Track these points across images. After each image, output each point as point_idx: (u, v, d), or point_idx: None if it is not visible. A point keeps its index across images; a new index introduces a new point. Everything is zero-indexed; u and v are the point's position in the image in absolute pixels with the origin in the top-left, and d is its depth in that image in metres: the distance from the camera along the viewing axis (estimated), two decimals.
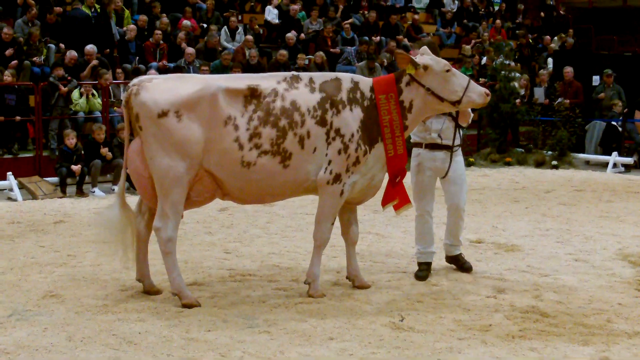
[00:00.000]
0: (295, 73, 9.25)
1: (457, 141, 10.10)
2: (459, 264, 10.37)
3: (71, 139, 17.24)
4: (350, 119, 8.95)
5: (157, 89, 8.68)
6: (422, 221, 10.25)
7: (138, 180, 8.91)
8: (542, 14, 32.10)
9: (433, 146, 10.04)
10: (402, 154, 9.13)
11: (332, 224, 9.21)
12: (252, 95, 8.79)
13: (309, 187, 9.09)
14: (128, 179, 9.25)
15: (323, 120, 8.88)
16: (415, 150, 10.24)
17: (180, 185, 8.61)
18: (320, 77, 9.21)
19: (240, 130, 8.66)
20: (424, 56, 9.22)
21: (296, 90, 8.95)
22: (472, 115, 9.99)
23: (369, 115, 9.05)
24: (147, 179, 8.79)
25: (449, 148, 10.02)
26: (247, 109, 8.73)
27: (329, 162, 8.91)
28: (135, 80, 8.89)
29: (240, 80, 8.94)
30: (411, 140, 10.25)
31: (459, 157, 10.18)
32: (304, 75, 9.20)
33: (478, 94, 9.16)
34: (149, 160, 8.64)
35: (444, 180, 10.15)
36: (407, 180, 9.50)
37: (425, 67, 9.04)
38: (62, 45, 21.39)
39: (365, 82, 9.25)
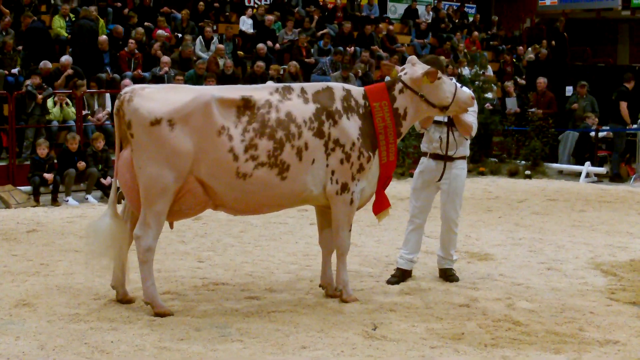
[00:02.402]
0: (287, 84, 9.29)
1: (460, 153, 10.18)
2: (446, 276, 10.38)
3: (42, 149, 17.19)
4: (349, 128, 9.03)
5: (151, 97, 8.63)
6: (410, 226, 10.38)
7: (128, 190, 8.85)
8: (553, 42, 32.10)
9: (436, 156, 10.16)
10: (392, 160, 9.30)
11: (350, 230, 9.32)
12: (246, 106, 8.78)
13: (306, 198, 9.14)
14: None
15: (320, 132, 8.94)
16: (421, 159, 10.42)
17: (166, 196, 8.58)
18: (311, 87, 9.26)
19: (235, 141, 8.64)
20: (417, 65, 9.37)
21: (290, 102, 8.97)
22: (473, 126, 9.99)
23: (366, 123, 9.14)
24: (137, 189, 8.72)
25: (452, 159, 10.13)
26: (240, 120, 8.72)
27: (332, 173, 8.99)
28: (127, 89, 8.84)
29: (233, 91, 8.94)
30: (421, 149, 10.47)
31: (458, 169, 10.22)
32: (295, 86, 9.23)
33: (465, 98, 9.44)
34: (137, 168, 8.59)
35: (441, 192, 10.23)
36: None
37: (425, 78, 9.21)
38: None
39: (357, 91, 9.35)
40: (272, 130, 8.76)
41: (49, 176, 16.85)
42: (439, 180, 10.13)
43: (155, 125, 8.49)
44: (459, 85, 9.59)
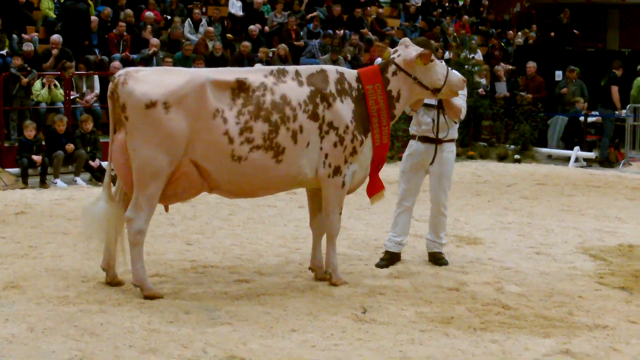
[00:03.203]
0: (281, 67, 9.27)
1: (449, 135, 10.17)
2: (435, 259, 10.38)
3: (30, 131, 17.14)
4: (343, 111, 9.04)
5: (146, 79, 8.58)
6: (399, 209, 10.39)
7: (123, 174, 8.80)
8: (552, 34, 32.02)
9: (425, 139, 10.16)
10: (386, 143, 9.33)
11: (340, 214, 9.34)
12: (240, 88, 8.76)
13: (301, 181, 9.15)
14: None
15: (315, 115, 8.94)
16: (410, 142, 10.41)
17: (159, 179, 8.55)
18: (305, 70, 9.24)
19: (230, 124, 8.62)
20: (410, 47, 9.41)
21: (284, 84, 8.96)
22: (463, 109, 9.99)
23: (359, 106, 9.15)
24: (131, 172, 8.66)
25: (440, 142, 10.12)
26: (235, 102, 8.70)
27: (326, 156, 8.99)
28: (121, 71, 8.79)
29: (228, 73, 8.93)
30: (410, 132, 10.47)
31: (447, 153, 10.21)
32: (290, 69, 9.21)
33: (457, 80, 9.48)
34: (131, 151, 8.54)
35: (430, 175, 10.23)
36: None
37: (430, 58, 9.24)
38: (24, 36, 21.23)
39: (351, 73, 9.35)
40: (267, 113, 8.75)
41: (37, 158, 16.80)
42: (431, 163, 10.11)
43: (151, 108, 8.45)
44: (449, 68, 9.59)
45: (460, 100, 9.93)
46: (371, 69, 9.46)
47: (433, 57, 9.33)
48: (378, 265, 10.19)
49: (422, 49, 9.30)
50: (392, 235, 10.37)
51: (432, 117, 10.05)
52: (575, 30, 32.21)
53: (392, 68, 9.32)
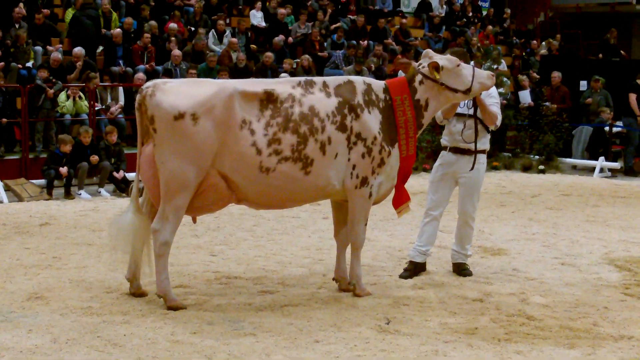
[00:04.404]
0: (308, 78, 9.30)
1: (482, 146, 10.17)
2: (459, 270, 10.35)
3: (67, 146, 17.14)
4: (371, 122, 9.05)
5: (174, 91, 8.61)
6: (426, 219, 10.39)
7: (151, 186, 8.82)
8: (600, 55, 31.84)
9: (456, 150, 10.16)
10: (412, 154, 9.34)
11: (365, 224, 9.35)
12: (269, 99, 8.79)
13: (330, 192, 9.16)
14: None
15: (343, 126, 8.94)
16: (441, 152, 10.42)
17: (187, 191, 8.57)
18: (333, 81, 9.26)
19: (258, 135, 8.64)
20: (434, 57, 9.44)
21: (312, 95, 8.98)
22: (499, 115, 10.01)
23: (386, 117, 9.17)
24: (159, 184, 8.70)
25: (472, 152, 10.09)
26: (263, 114, 8.72)
27: (354, 167, 9.01)
28: (149, 83, 8.83)
29: (256, 85, 8.95)
30: (441, 143, 10.47)
31: (477, 164, 10.17)
32: (317, 80, 9.23)
33: (485, 77, 9.48)
34: (159, 163, 8.57)
35: (459, 185, 10.23)
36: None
37: (442, 67, 9.24)
38: (48, 47, 21.35)
39: (378, 84, 9.39)
40: (296, 125, 8.76)
41: (64, 170, 16.82)
42: (471, 169, 10.07)
43: (179, 120, 8.47)
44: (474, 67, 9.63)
45: (495, 107, 9.96)
46: (399, 80, 9.49)
47: (459, 61, 9.37)
48: (402, 276, 10.18)
49: (445, 56, 9.42)
50: (417, 245, 10.36)
51: (464, 125, 10.02)
52: (622, 52, 31.97)
53: (418, 77, 9.33)
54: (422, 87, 9.32)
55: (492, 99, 9.97)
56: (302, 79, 9.25)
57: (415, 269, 10.29)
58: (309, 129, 8.80)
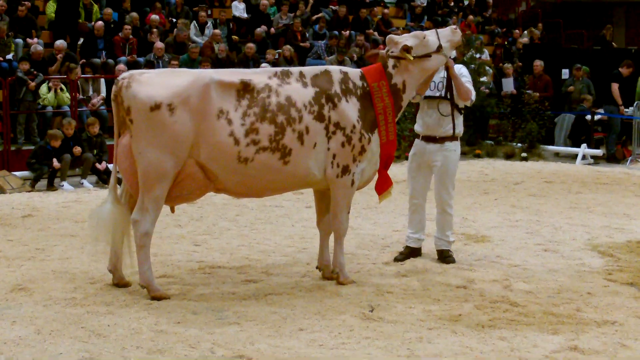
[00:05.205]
0: (285, 68, 9.29)
1: (455, 131, 10.19)
2: (443, 257, 10.37)
3: (58, 141, 17.05)
4: (349, 111, 9.05)
5: (150, 82, 8.59)
6: (411, 207, 10.49)
7: (128, 177, 8.81)
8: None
9: (429, 139, 10.20)
10: (393, 140, 9.34)
11: (348, 213, 9.36)
12: (245, 89, 8.77)
13: (311, 182, 9.17)
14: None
15: (320, 116, 8.95)
16: (415, 141, 10.49)
17: (165, 181, 8.56)
18: (310, 71, 9.27)
19: (235, 125, 8.63)
20: (401, 37, 9.55)
21: (289, 86, 8.97)
22: (472, 91, 10.07)
23: (364, 104, 9.16)
24: (137, 175, 8.67)
25: (444, 140, 10.14)
26: (240, 104, 8.70)
27: (334, 156, 9.01)
28: (125, 74, 8.80)
29: (233, 74, 8.93)
30: (415, 131, 10.55)
31: (449, 151, 10.20)
32: (294, 70, 9.23)
33: (449, 32, 9.63)
34: (136, 154, 8.55)
35: (434, 173, 10.27)
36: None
37: (412, 47, 9.30)
38: (28, 40, 21.25)
39: (354, 72, 9.39)
40: (273, 115, 8.75)
41: (57, 164, 16.72)
42: (453, 133, 10.13)
43: (155, 111, 8.45)
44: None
45: (468, 84, 10.06)
46: (375, 67, 9.47)
47: (423, 33, 9.52)
48: (396, 259, 10.35)
49: (408, 36, 9.57)
50: (409, 233, 10.52)
51: (437, 106, 10.07)
52: (613, 44, 31.96)
53: (390, 62, 9.37)
54: (396, 71, 9.35)
55: (464, 78, 10.06)
56: (279, 69, 9.26)
57: (410, 254, 10.45)
58: (286, 119, 8.79)
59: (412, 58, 9.22)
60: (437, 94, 10.05)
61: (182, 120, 8.47)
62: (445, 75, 10.00)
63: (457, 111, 10.13)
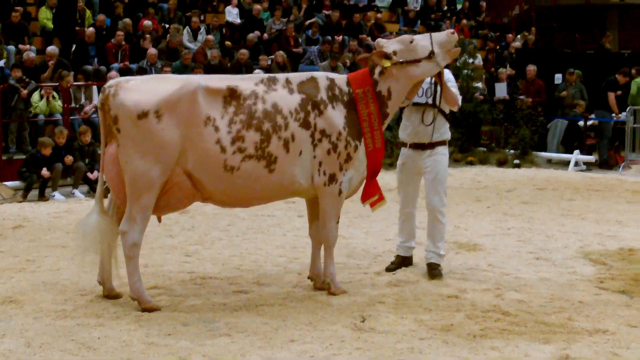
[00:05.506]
0: (272, 75, 9.26)
1: (441, 136, 10.11)
2: (430, 269, 10.16)
3: (48, 149, 16.99)
4: (335, 118, 9.00)
5: (137, 89, 8.53)
6: (402, 217, 10.43)
7: (115, 186, 8.76)
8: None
9: (416, 146, 10.11)
10: (380, 147, 9.25)
11: (337, 222, 9.28)
12: (232, 96, 8.73)
13: (297, 190, 9.11)
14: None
15: (306, 123, 8.91)
16: (402, 150, 10.36)
17: (152, 190, 8.51)
18: (296, 77, 9.22)
19: (222, 133, 8.59)
20: (387, 42, 9.42)
21: (275, 92, 8.93)
22: (459, 96, 9.95)
23: (351, 111, 9.10)
24: (124, 184, 8.62)
25: (432, 146, 10.05)
26: (226, 111, 8.67)
27: (320, 164, 8.96)
28: (111, 82, 8.75)
29: (220, 80, 8.90)
30: (400, 139, 10.42)
31: (439, 155, 10.10)
32: (280, 77, 9.18)
33: (444, 36, 9.40)
34: (123, 163, 8.50)
35: (424, 180, 10.18)
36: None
37: (394, 52, 9.19)
38: (21, 47, 21.23)
39: (341, 78, 9.32)
40: (259, 122, 8.72)
41: (46, 173, 16.69)
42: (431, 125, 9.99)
43: (143, 119, 8.40)
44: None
45: (454, 89, 9.95)
46: (361, 73, 9.42)
47: (412, 37, 9.38)
48: (388, 269, 10.30)
49: (397, 40, 9.42)
50: (400, 242, 10.47)
51: (423, 114, 9.97)
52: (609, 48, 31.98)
53: (378, 69, 9.29)
54: (382, 77, 9.25)
55: (450, 83, 9.90)
56: (266, 75, 9.21)
57: (401, 263, 10.40)
58: (272, 126, 8.76)
59: (388, 64, 9.14)
60: (424, 101, 9.97)
61: (169, 127, 8.44)
62: (433, 81, 9.90)
63: (444, 117, 10.08)
